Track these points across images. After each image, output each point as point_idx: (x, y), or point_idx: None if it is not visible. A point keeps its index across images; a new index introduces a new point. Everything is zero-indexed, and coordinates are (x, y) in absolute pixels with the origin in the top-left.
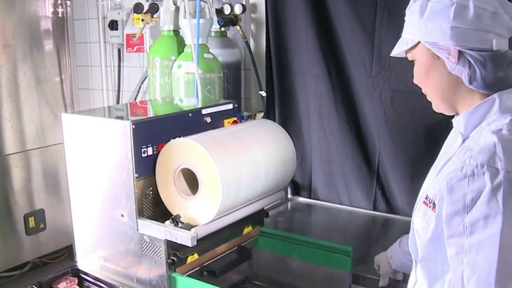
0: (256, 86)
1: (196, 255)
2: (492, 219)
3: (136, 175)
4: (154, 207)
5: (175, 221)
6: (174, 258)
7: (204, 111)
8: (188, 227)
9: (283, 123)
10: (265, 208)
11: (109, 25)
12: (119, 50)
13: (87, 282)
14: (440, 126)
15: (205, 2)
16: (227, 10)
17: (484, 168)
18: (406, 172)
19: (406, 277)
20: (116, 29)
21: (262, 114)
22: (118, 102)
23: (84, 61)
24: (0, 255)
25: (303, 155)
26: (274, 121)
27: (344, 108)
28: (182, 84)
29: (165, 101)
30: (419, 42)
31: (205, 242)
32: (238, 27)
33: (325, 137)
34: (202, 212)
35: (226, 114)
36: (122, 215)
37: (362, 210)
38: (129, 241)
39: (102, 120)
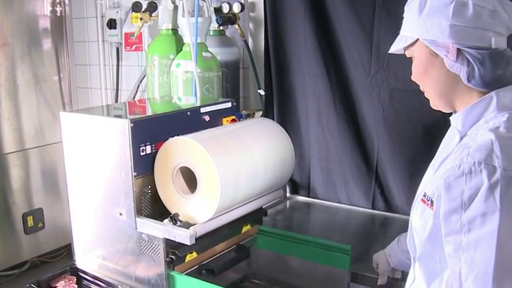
0: (255, 85)
1: (195, 254)
2: (489, 216)
3: (134, 173)
4: (152, 206)
5: (174, 219)
6: (172, 256)
7: (202, 110)
8: (187, 225)
9: (282, 122)
10: (263, 207)
11: (107, 24)
12: (118, 49)
13: (86, 281)
14: (439, 125)
15: (203, 0)
16: (226, 9)
17: (481, 166)
18: (405, 171)
19: (404, 275)
20: (115, 28)
21: (260, 113)
22: (116, 101)
23: (82, 60)
24: None
25: (301, 154)
26: (273, 120)
27: (343, 107)
28: (181, 83)
29: (164, 100)
30: (417, 39)
31: (204, 241)
32: (236, 26)
33: (323, 136)
34: (201, 210)
35: (224, 112)
36: (121, 214)
37: (361, 208)
38: (128, 240)
39: (100, 119)
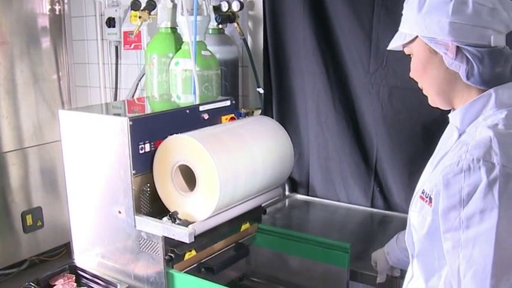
0: (254, 83)
1: (194, 252)
2: (488, 213)
3: (133, 172)
4: (151, 204)
5: (173, 217)
6: (171, 254)
7: (201, 108)
8: (186, 223)
9: (281, 120)
10: (262, 205)
11: (106, 22)
12: (117, 48)
13: (85, 279)
14: (438, 123)
15: None
16: (225, 7)
17: (480, 163)
18: (404, 169)
19: (403, 273)
20: (114, 26)
21: (259, 111)
22: (116, 100)
23: (81, 58)
24: None
25: (300, 152)
26: (272, 118)
27: (342, 105)
28: (180, 81)
29: (163, 98)
30: (416, 36)
31: (203, 239)
32: (235, 24)
33: (322, 134)
34: (200, 208)
35: (223, 111)
36: (120, 212)
37: (360, 207)
38: (127, 238)
39: (99, 117)
